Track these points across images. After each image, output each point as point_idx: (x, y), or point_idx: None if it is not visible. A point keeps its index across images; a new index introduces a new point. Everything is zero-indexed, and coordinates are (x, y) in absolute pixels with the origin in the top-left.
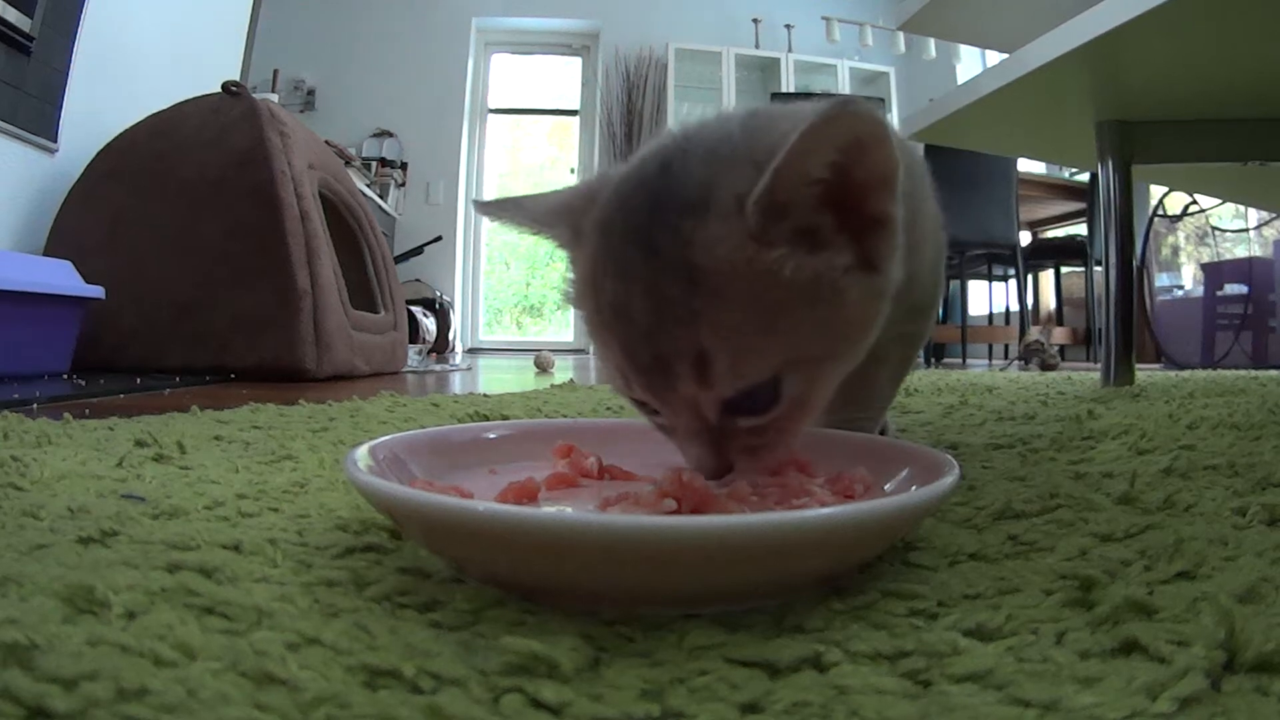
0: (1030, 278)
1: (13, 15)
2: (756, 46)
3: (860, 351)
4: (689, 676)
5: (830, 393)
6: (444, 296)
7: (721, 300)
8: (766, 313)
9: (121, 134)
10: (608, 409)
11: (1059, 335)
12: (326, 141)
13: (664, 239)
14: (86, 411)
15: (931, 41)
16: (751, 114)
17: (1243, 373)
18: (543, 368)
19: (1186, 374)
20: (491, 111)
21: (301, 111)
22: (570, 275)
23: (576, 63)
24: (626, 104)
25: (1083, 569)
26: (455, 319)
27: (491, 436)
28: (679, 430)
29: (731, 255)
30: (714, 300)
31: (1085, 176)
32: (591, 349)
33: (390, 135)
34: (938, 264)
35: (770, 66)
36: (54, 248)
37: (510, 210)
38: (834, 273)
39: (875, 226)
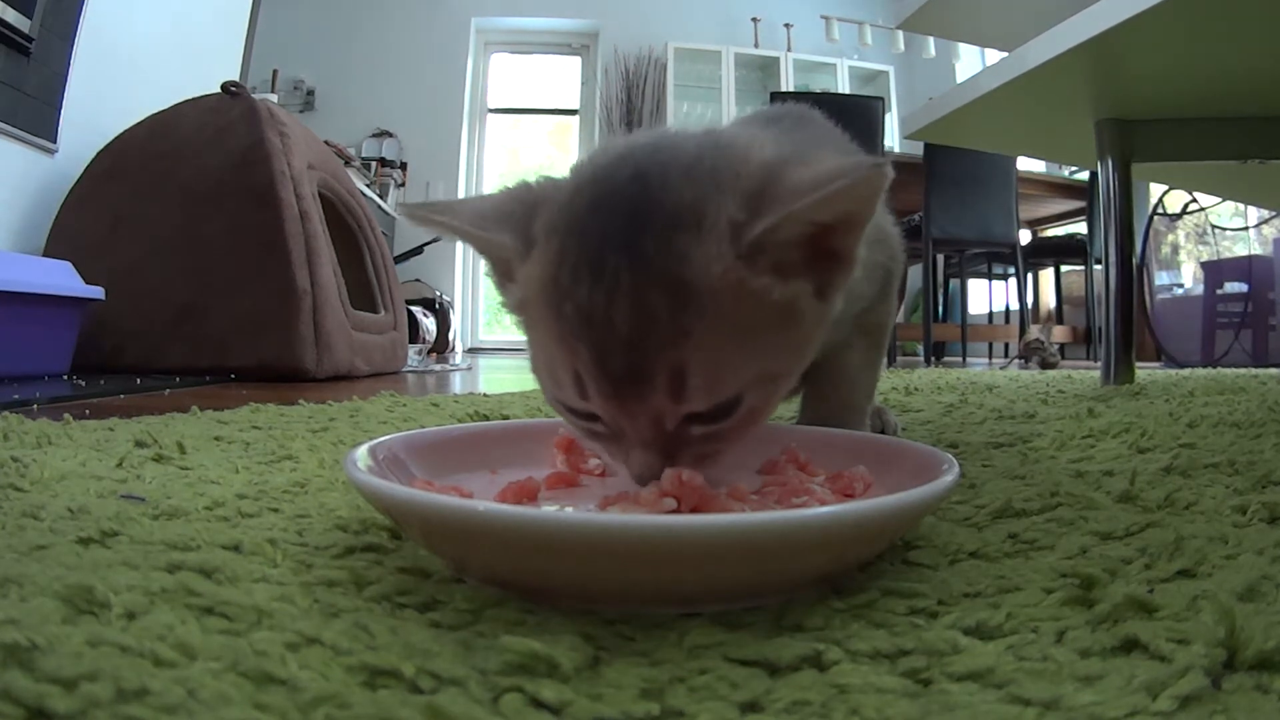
0: (1030, 276)
1: (12, 16)
2: (756, 46)
3: (803, 368)
4: (689, 675)
5: (778, 403)
6: (444, 296)
7: (709, 319)
8: (745, 334)
9: (121, 134)
10: None
11: (1059, 334)
12: (326, 141)
13: (653, 249)
14: (86, 412)
15: (931, 40)
16: (708, 134)
17: (1243, 371)
18: None
19: (1186, 372)
20: (491, 111)
21: (301, 111)
22: (510, 283)
23: (576, 62)
24: (626, 104)
25: (1083, 567)
26: (455, 319)
27: (491, 436)
28: (629, 437)
29: (725, 276)
30: (702, 318)
31: (1085, 175)
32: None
33: (390, 135)
34: (872, 273)
35: (770, 66)
36: (54, 248)
37: (444, 213)
38: (801, 300)
39: (835, 260)
